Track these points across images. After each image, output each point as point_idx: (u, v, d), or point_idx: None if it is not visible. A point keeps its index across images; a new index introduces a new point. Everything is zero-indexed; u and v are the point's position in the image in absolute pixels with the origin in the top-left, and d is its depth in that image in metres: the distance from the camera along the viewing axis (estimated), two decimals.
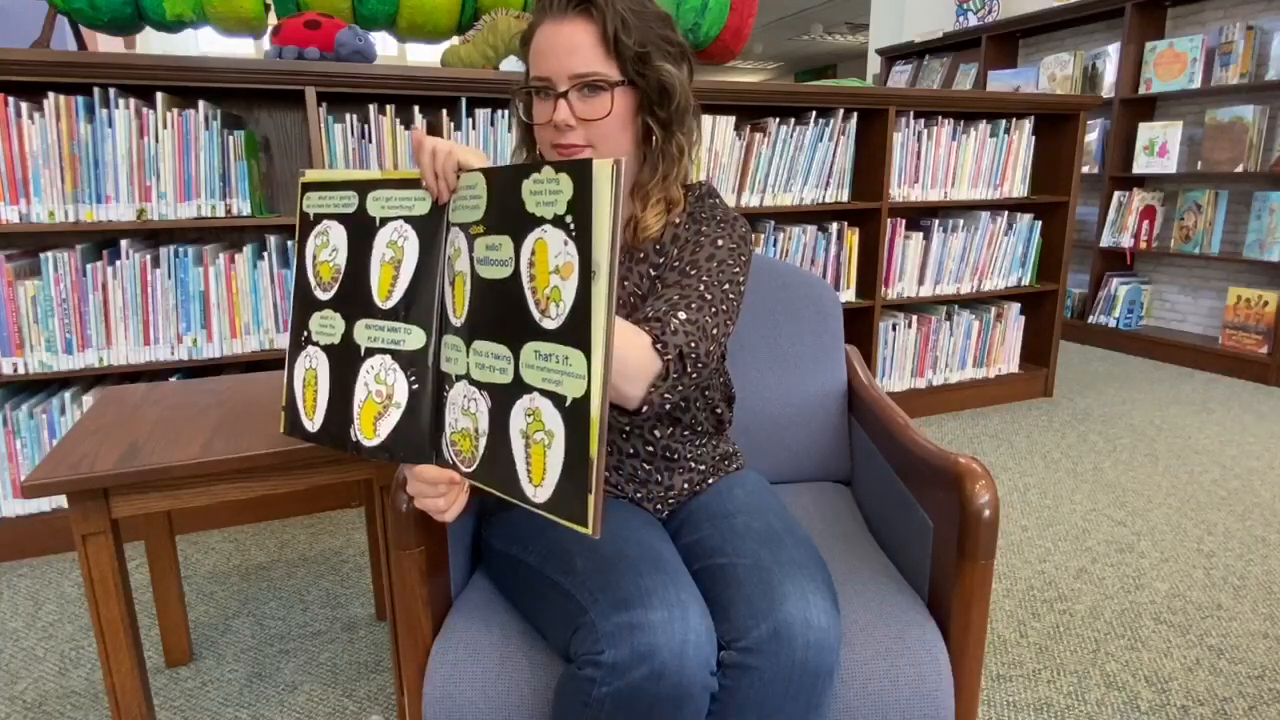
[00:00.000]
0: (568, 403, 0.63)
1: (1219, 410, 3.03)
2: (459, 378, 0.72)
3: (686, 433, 1.05)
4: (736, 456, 1.14)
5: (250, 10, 2.04)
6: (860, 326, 2.76)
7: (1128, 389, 3.33)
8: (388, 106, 2.03)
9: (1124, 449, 2.62)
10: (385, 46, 4.11)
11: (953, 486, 0.94)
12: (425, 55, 2.90)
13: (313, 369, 0.82)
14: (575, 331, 0.62)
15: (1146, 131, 3.86)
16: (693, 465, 1.07)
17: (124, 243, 1.84)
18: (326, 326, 0.81)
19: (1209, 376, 3.52)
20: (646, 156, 0.99)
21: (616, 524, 0.93)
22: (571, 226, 0.62)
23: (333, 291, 0.81)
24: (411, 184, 0.78)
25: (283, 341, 2.02)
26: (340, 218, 0.81)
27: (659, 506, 1.05)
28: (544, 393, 0.64)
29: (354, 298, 0.79)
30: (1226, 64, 3.54)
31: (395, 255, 0.77)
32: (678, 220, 1.02)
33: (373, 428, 0.78)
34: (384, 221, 0.78)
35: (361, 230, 0.80)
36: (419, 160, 0.79)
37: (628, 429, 0.99)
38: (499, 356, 0.68)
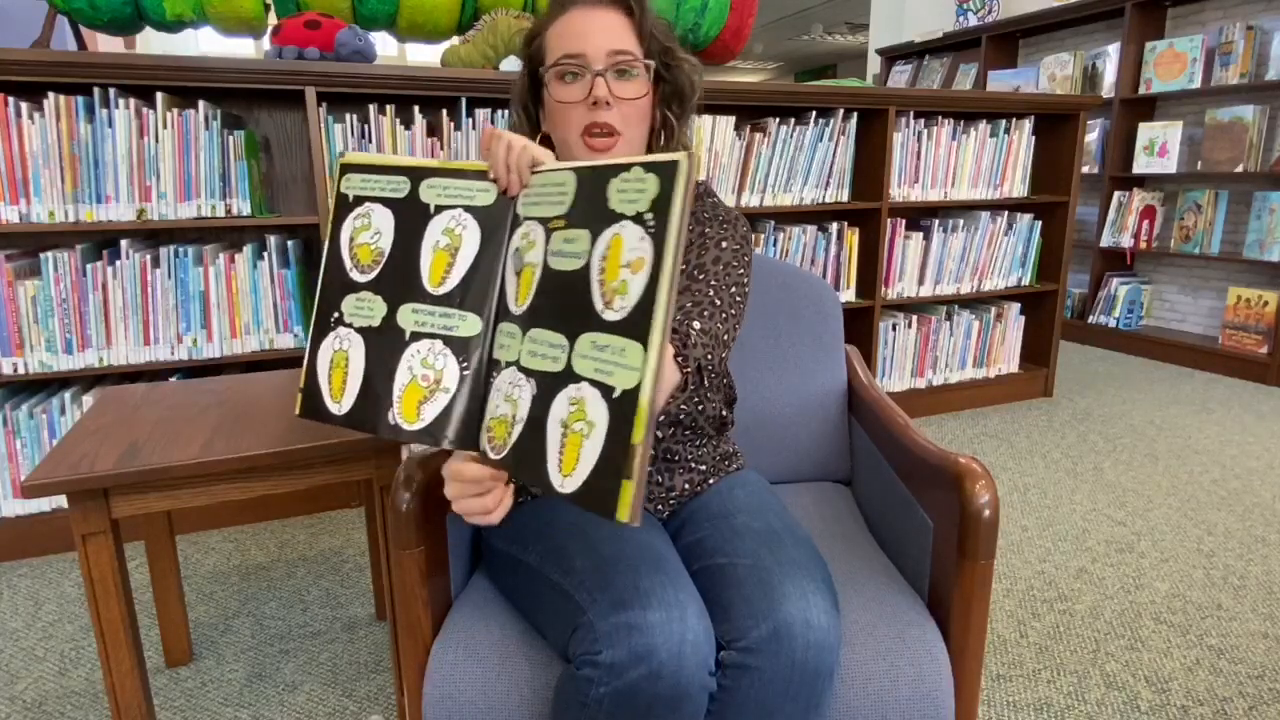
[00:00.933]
0: (615, 394, 0.63)
1: (1219, 410, 3.03)
2: (508, 364, 0.73)
3: (688, 433, 1.06)
4: (737, 456, 1.14)
5: (250, 10, 2.04)
6: (860, 326, 2.77)
7: (1128, 389, 3.33)
8: (388, 106, 2.03)
9: (1124, 449, 2.62)
10: (385, 46, 4.10)
11: (953, 486, 0.94)
12: (425, 55, 2.90)
13: (343, 351, 0.81)
14: (636, 325, 0.63)
15: (1146, 131, 3.87)
16: (693, 466, 1.07)
17: (124, 243, 1.84)
18: (364, 308, 0.81)
19: (1209, 376, 3.52)
20: (655, 150, 1.02)
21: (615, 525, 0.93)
22: (650, 223, 0.64)
23: (373, 274, 0.81)
24: (471, 175, 0.79)
25: (283, 341, 2.02)
26: (386, 201, 0.81)
27: (659, 507, 1.05)
28: (592, 383, 0.65)
29: (400, 281, 0.80)
30: (1226, 64, 3.54)
31: (452, 243, 0.78)
32: None
33: (416, 411, 0.78)
34: (439, 209, 0.79)
35: (413, 216, 0.80)
36: (491, 152, 0.79)
37: None
38: (554, 345, 0.69)
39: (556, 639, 0.88)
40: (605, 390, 0.64)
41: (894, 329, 2.83)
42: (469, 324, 0.77)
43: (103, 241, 1.93)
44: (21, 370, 1.82)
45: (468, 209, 0.79)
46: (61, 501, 1.93)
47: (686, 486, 1.06)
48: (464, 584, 1.05)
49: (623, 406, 0.62)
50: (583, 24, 0.93)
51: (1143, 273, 4.16)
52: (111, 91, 1.78)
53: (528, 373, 0.71)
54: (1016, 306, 3.10)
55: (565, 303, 0.69)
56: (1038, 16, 4.34)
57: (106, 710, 1.39)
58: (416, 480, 0.92)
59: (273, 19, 2.11)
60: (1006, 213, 2.96)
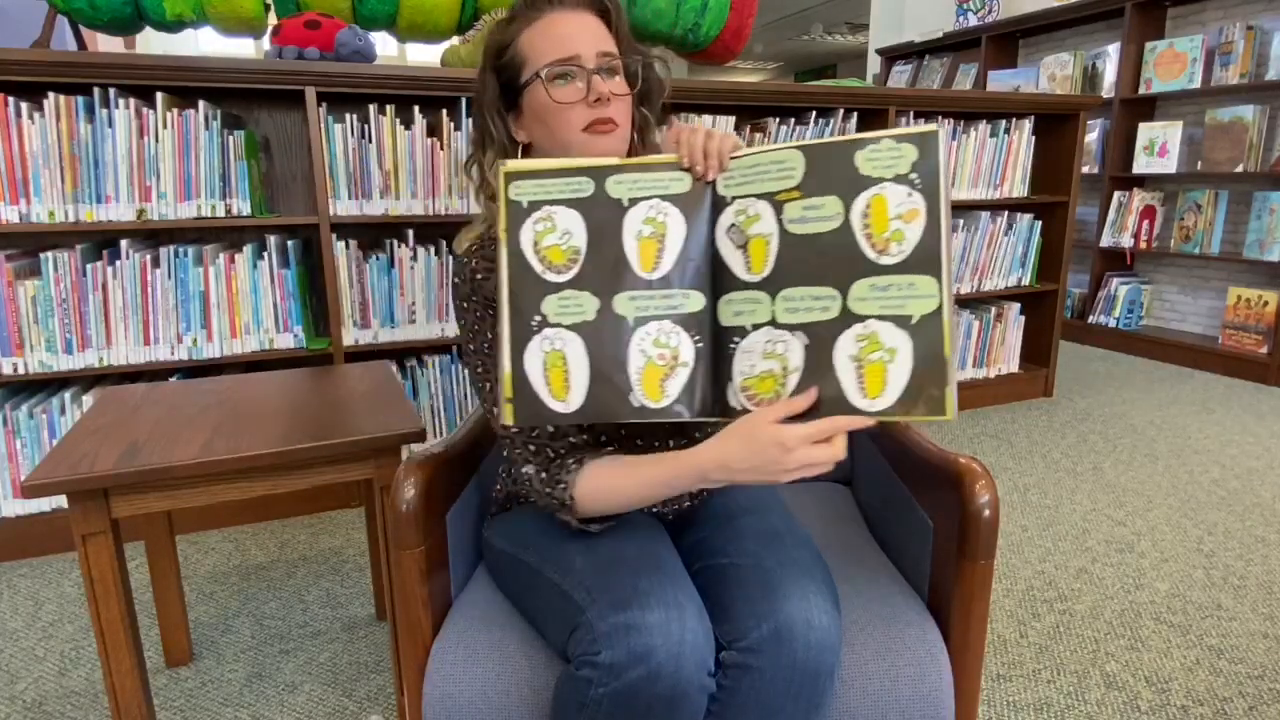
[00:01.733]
0: (914, 320, 0.76)
1: (1219, 410, 3.03)
2: (757, 326, 0.81)
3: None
4: None
5: (250, 10, 2.04)
6: None
7: (1128, 389, 3.33)
8: (388, 106, 2.03)
9: (1124, 449, 2.62)
10: (385, 46, 4.10)
11: (953, 486, 0.94)
12: (425, 55, 2.90)
13: (557, 350, 0.83)
14: (922, 262, 0.76)
15: (1146, 131, 3.87)
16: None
17: (124, 243, 1.84)
18: (571, 306, 0.84)
19: (1209, 376, 3.52)
20: (636, 150, 1.02)
21: (615, 525, 0.93)
22: (916, 181, 0.77)
23: (572, 272, 0.84)
24: (657, 167, 0.85)
25: (283, 341, 2.02)
26: (570, 202, 0.85)
27: (663, 508, 1.05)
28: (881, 318, 0.77)
29: (607, 273, 0.84)
30: (1226, 64, 3.54)
31: (657, 230, 0.84)
32: None
33: (660, 389, 0.82)
34: (634, 201, 0.84)
35: (606, 211, 0.84)
36: (688, 143, 0.84)
37: (640, 443, 0.99)
38: (819, 297, 0.79)
39: (556, 639, 0.88)
40: (901, 320, 0.76)
41: None
42: (693, 300, 0.83)
43: (103, 241, 1.93)
44: (21, 370, 1.82)
45: (664, 197, 0.84)
46: (61, 501, 1.93)
47: (691, 500, 1.05)
48: (464, 584, 1.05)
49: (925, 329, 0.75)
50: (568, 27, 0.94)
51: (1143, 273, 4.16)
52: (111, 91, 1.78)
53: (791, 328, 0.80)
54: (1016, 306, 3.10)
55: (823, 259, 0.79)
56: (1038, 16, 4.34)
57: (106, 710, 1.39)
58: (416, 480, 0.92)
59: (273, 19, 2.11)
60: (1006, 213, 2.96)
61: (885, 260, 0.77)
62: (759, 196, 0.82)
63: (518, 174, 0.85)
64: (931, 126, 0.78)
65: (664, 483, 0.85)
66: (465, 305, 0.98)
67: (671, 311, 0.83)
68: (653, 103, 1.03)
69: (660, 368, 0.83)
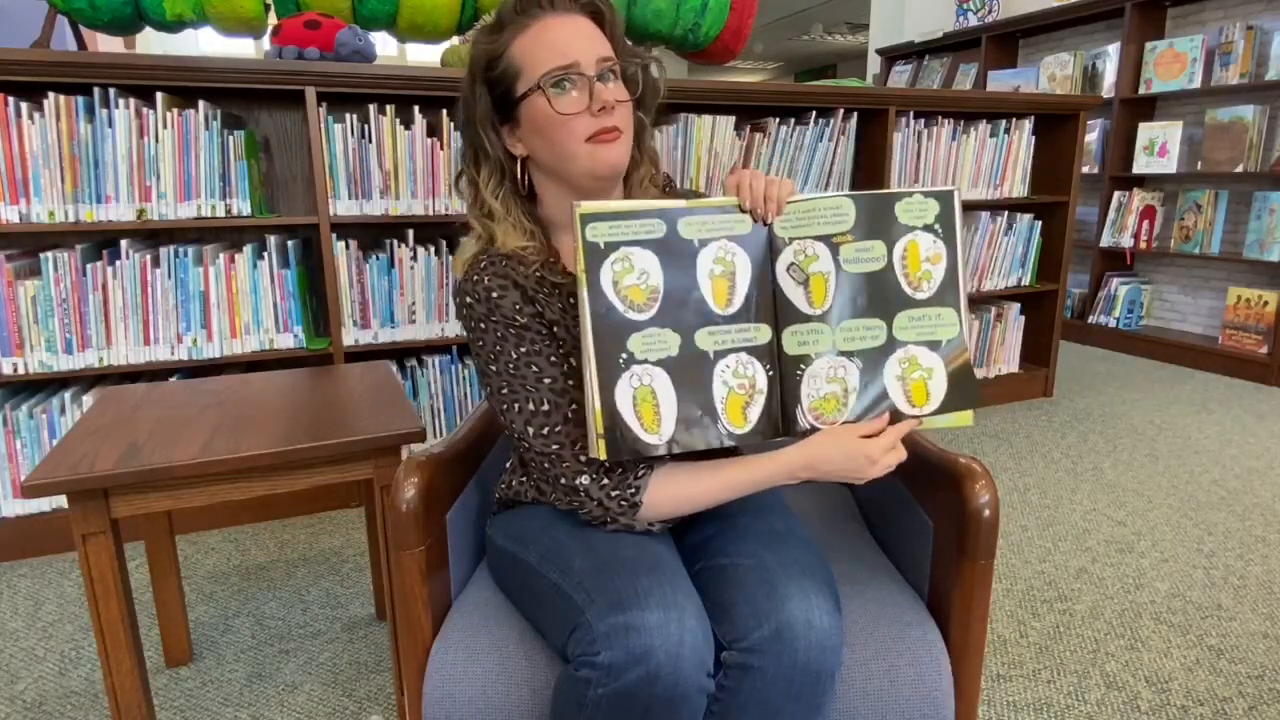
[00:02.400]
0: (942, 344, 0.92)
1: (1219, 410, 3.03)
2: (820, 354, 0.92)
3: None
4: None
5: (250, 10, 2.05)
6: None
7: (1128, 389, 3.33)
8: (388, 106, 2.03)
9: (1124, 449, 2.62)
10: (385, 46, 4.10)
11: (953, 486, 0.94)
12: (425, 55, 2.90)
13: (646, 386, 0.89)
14: (943, 297, 0.92)
15: (1146, 131, 3.87)
16: None
17: (124, 243, 1.84)
18: (656, 343, 0.89)
19: (1209, 376, 3.52)
20: (634, 153, 1.02)
21: None
22: (939, 230, 0.92)
23: (653, 310, 0.89)
24: (718, 209, 0.92)
25: (283, 341, 2.02)
26: (644, 243, 0.89)
27: None
28: (918, 343, 0.92)
29: (686, 310, 0.90)
30: (1226, 64, 3.54)
31: (726, 269, 0.91)
32: None
33: (742, 416, 0.91)
34: (704, 242, 0.90)
35: (679, 252, 0.90)
36: (750, 188, 0.90)
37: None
38: (870, 327, 0.92)
39: (556, 639, 0.88)
40: (932, 344, 0.92)
41: None
42: (762, 333, 0.92)
43: (103, 241, 1.93)
44: (21, 370, 1.82)
45: (730, 238, 0.91)
46: (61, 501, 1.93)
47: None
48: (464, 584, 1.05)
49: (951, 348, 0.92)
50: (564, 32, 0.91)
51: (1143, 273, 4.16)
52: (111, 91, 1.78)
53: (849, 354, 0.92)
54: (1016, 306, 3.10)
55: (873, 294, 0.92)
56: (1038, 16, 4.34)
57: (106, 710, 1.39)
58: (416, 480, 0.92)
59: (273, 19, 2.11)
60: (1006, 213, 2.96)
61: (919, 295, 0.92)
62: (816, 238, 0.92)
63: (593, 215, 0.88)
64: (949, 187, 0.95)
65: (751, 483, 0.92)
66: (483, 326, 0.94)
67: (746, 344, 0.92)
68: (648, 106, 1.02)
69: (741, 396, 0.91)
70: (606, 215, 0.88)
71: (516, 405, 0.93)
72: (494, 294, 0.94)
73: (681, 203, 0.91)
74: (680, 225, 0.90)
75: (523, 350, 0.93)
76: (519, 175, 0.99)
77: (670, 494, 0.91)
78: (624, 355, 0.88)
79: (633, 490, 0.90)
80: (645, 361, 0.88)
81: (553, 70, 0.90)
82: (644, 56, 1.00)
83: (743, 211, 0.91)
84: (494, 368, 0.94)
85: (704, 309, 0.90)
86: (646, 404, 0.88)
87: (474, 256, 0.98)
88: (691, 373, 0.89)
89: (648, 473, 0.91)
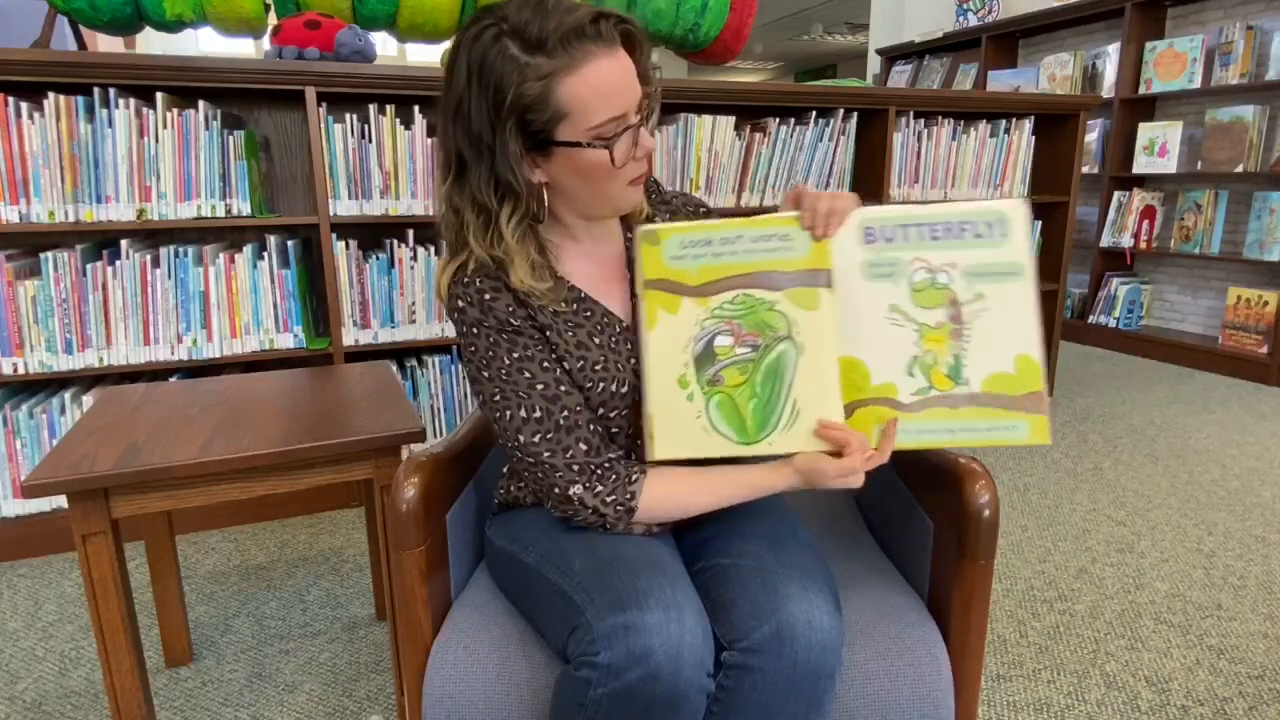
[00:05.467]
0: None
1: (1219, 410, 3.03)
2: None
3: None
4: None
5: (250, 10, 2.05)
6: None
7: (1128, 389, 3.33)
8: (388, 106, 2.03)
9: (1124, 449, 2.62)
10: (385, 46, 4.10)
11: (953, 487, 0.94)
12: (425, 55, 2.90)
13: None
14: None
15: (1146, 131, 3.87)
16: None
17: (124, 243, 1.84)
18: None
19: (1209, 376, 3.52)
20: None
21: None
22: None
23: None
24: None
25: (283, 341, 2.02)
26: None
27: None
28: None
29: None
30: (1226, 64, 3.54)
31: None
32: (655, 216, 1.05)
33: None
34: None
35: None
36: (815, 207, 0.88)
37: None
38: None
39: (555, 639, 0.88)
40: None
41: None
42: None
43: (103, 241, 1.93)
44: (21, 370, 1.82)
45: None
46: (61, 501, 1.93)
47: None
48: (464, 584, 1.05)
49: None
50: (614, 77, 0.85)
51: (1143, 273, 4.16)
52: (111, 91, 1.78)
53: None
54: None
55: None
56: (1038, 16, 4.34)
57: (106, 710, 1.39)
58: (416, 480, 0.92)
59: (273, 19, 2.11)
60: None
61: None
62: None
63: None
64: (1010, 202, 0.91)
65: (753, 488, 0.93)
66: (475, 330, 0.91)
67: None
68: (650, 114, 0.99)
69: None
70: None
71: (509, 412, 0.91)
72: (487, 296, 0.91)
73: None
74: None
75: (515, 356, 0.91)
76: (542, 203, 0.92)
77: (664, 496, 0.92)
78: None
79: (629, 495, 0.90)
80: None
81: (605, 123, 0.85)
82: (657, 80, 0.94)
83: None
84: (486, 374, 0.92)
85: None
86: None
87: (456, 268, 0.93)
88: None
89: (641, 476, 0.91)
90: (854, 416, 0.91)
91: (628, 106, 0.87)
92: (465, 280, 0.92)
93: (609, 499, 0.90)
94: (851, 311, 0.90)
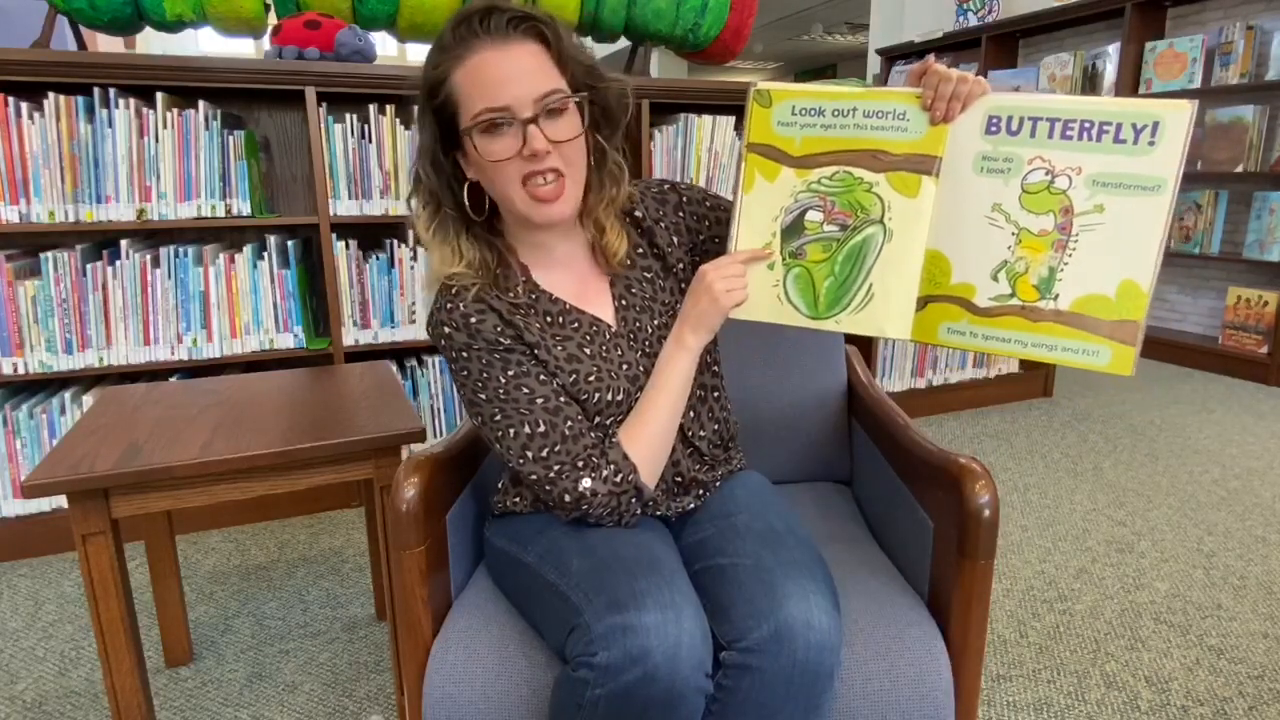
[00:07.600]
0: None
1: (1219, 410, 3.03)
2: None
3: (704, 458, 1.06)
4: (739, 457, 1.14)
5: (250, 10, 2.04)
6: None
7: (1127, 389, 3.33)
8: (388, 106, 2.03)
9: (1124, 449, 2.62)
10: (385, 46, 4.10)
11: (953, 486, 0.94)
12: (425, 55, 2.90)
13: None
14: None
15: None
16: (704, 482, 1.06)
17: (124, 243, 1.84)
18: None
19: (1209, 376, 3.52)
20: (591, 179, 0.95)
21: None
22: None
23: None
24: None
25: (283, 341, 2.02)
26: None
27: (666, 513, 1.05)
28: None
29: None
30: (1226, 64, 3.54)
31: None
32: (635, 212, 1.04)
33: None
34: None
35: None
36: (941, 91, 0.83)
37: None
38: None
39: (554, 640, 0.88)
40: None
41: None
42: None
43: (103, 241, 1.93)
44: (21, 370, 1.82)
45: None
46: (61, 501, 1.93)
47: (695, 503, 1.05)
48: (464, 584, 1.05)
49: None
50: (498, 69, 0.84)
51: None
52: (111, 91, 1.78)
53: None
54: None
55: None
56: (1038, 16, 4.34)
57: (106, 710, 1.39)
58: (416, 480, 0.92)
59: (273, 19, 2.11)
60: None
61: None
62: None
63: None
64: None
65: (676, 370, 0.93)
66: (465, 355, 0.91)
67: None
68: (614, 127, 0.95)
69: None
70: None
71: (512, 430, 0.90)
72: (472, 319, 0.90)
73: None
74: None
75: (510, 374, 0.91)
76: (466, 199, 0.93)
77: (639, 439, 0.93)
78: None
79: (623, 456, 0.92)
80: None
81: (483, 113, 0.85)
82: (602, 76, 0.92)
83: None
84: (483, 395, 0.91)
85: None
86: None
87: (438, 288, 0.93)
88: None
89: (616, 442, 0.92)
90: (924, 310, 0.87)
91: (511, 100, 0.84)
92: (449, 305, 0.91)
93: (616, 478, 0.91)
94: (951, 204, 0.84)
